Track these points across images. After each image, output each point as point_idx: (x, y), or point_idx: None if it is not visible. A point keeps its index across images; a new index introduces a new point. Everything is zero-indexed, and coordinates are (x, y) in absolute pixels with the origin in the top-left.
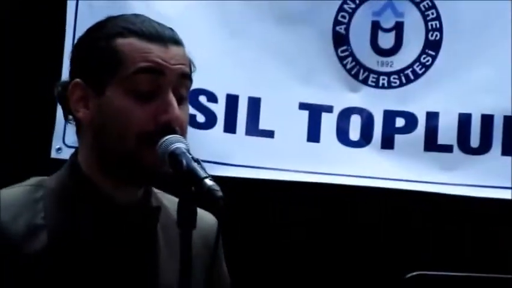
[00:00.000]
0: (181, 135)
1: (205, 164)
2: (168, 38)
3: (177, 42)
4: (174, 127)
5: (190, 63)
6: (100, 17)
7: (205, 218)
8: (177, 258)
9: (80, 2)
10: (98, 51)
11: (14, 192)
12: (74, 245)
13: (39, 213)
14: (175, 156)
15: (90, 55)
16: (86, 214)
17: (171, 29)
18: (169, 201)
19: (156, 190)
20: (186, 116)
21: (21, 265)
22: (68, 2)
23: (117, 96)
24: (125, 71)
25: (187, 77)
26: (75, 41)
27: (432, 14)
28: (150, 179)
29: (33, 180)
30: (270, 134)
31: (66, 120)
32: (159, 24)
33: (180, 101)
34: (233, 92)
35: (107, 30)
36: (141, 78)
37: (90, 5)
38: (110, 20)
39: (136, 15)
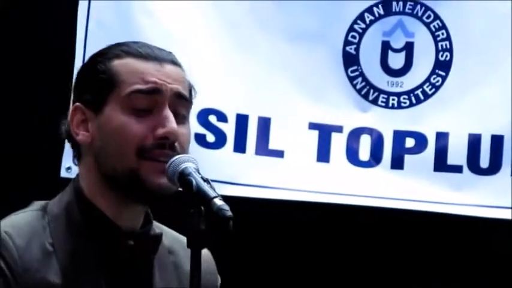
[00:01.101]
0: (180, 152)
1: (214, 184)
2: (163, 58)
3: (174, 62)
4: (172, 140)
5: (190, 86)
6: (110, 36)
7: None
8: (168, 284)
9: (89, 21)
10: (96, 73)
11: (25, 217)
12: (82, 270)
13: (48, 239)
14: (184, 176)
15: (89, 78)
16: (91, 240)
17: (170, 52)
18: (162, 230)
19: (155, 222)
20: (186, 135)
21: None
22: (78, 21)
23: (114, 114)
24: (122, 91)
25: (183, 97)
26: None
27: (442, 34)
28: (153, 196)
29: (37, 205)
30: (279, 153)
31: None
32: (158, 48)
33: (179, 120)
34: (243, 111)
35: (106, 54)
36: (137, 97)
37: (100, 24)
38: (110, 46)
39: (135, 42)
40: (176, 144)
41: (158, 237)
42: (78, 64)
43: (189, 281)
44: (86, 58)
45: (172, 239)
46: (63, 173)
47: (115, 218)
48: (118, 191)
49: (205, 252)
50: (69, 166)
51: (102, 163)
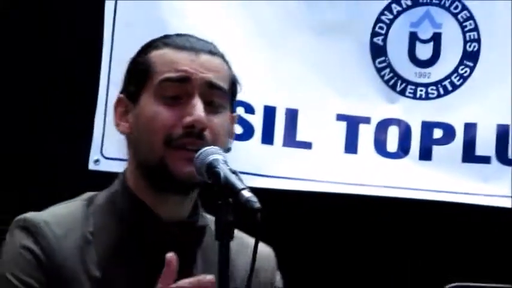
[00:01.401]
0: (212, 141)
1: (242, 176)
2: (200, 48)
3: (212, 52)
4: (199, 128)
5: (231, 76)
6: (137, 34)
7: (262, 250)
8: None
9: (116, 21)
10: (136, 65)
11: (68, 207)
12: (120, 261)
13: (89, 228)
14: (212, 168)
15: (131, 70)
16: (132, 230)
17: (210, 42)
18: (212, 223)
19: (207, 215)
20: (219, 124)
21: (71, 279)
22: (106, 20)
23: (148, 104)
24: (155, 80)
25: (216, 86)
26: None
27: (470, 24)
28: (180, 184)
29: (87, 195)
30: (307, 145)
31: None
32: (199, 39)
33: (212, 109)
34: (270, 103)
35: (149, 46)
36: (167, 85)
37: (127, 24)
38: (157, 38)
39: (180, 34)
40: (206, 133)
41: (201, 229)
42: (105, 64)
43: (217, 273)
44: (113, 58)
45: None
46: (91, 166)
47: (156, 207)
48: (150, 180)
49: (266, 250)
50: (97, 159)
51: (137, 152)
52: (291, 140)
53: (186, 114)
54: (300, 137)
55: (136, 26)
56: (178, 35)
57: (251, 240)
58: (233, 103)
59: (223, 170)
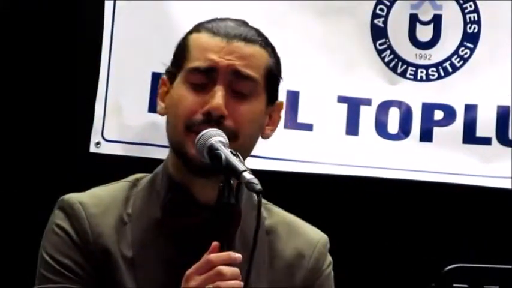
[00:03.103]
0: (235, 129)
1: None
2: (234, 34)
3: (247, 39)
4: (219, 117)
5: (267, 66)
6: (138, 15)
7: (309, 235)
8: (257, 266)
9: (117, 1)
10: (178, 48)
11: (111, 188)
12: (154, 243)
13: (127, 209)
14: (213, 150)
15: (175, 53)
16: (168, 211)
17: (253, 28)
18: (266, 210)
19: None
20: (245, 113)
21: (107, 257)
22: (106, 2)
23: (178, 87)
24: (186, 65)
25: (243, 75)
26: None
27: (470, 6)
28: (196, 167)
29: (134, 176)
30: (308, 127)
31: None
32: (240, 24)
33: (239, 98)
34: None
35: (194, 27)
36: (194, 73)
37: (128, 3)
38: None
39: (224, 19)
40: (226, 121)
41: (237, 212)
42: (106, 44)
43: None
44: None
45: (279, 220)
46: (92, 149)
47: (195, 190)
48: (178, 161)
49: (315, 236)
50: (98, 141)
51: (168, 135)
52: (292, 122)
53: (207, 102)
54: (301, 119)
55: (136, 7)
56: (221, 19)
57: (302, 227)
58: (273, 91)
59: (224, 152)
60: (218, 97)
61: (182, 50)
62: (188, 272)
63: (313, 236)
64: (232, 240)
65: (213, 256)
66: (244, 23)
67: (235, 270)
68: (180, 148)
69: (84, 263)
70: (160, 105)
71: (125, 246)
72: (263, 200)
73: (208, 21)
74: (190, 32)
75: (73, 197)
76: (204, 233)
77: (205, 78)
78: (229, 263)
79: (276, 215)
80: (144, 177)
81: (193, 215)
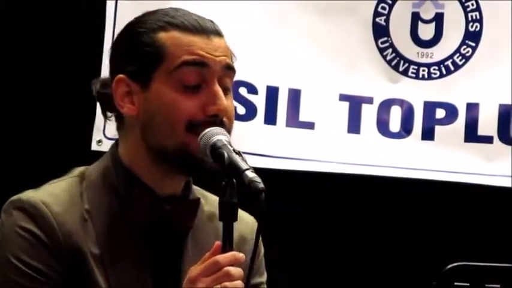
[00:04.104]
0: (229, 126)
1: (245, 156)
2: (210, 30)
3: (219, 33)
4: (222, 118)
5: (231, 54)
6: (140, 10)
7: (245, 218)
8: (205, 252)
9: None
10: (141, 46)
11: (63, 185)
12: (118, 237)
13: (84, 205)
14: (216, 149)
15: (133, 50)
16: (127, 205)
17: (211, 21)
18: (203, 196)
19: (194, 186)
20: (233, 108)
21: (78, 255)
22: (108, 1)
23: (164, 90)
24: (170, 65)
25: (231, 68)
26: (114, 37)
27: (472, 5)
28: (200, 168)
29: (76, 171)
30: (310, 125)
31: (105, 116)
32: (199, 16)
33: (225, 92)
34: (273, 83)
35: (148, 24)
36: (186, 71)
37: (130, 3)
38: (149, 14)
39: (175, 9)
40: (225, 119)
41: (196, 203)
42: (108, 40)
43: (221, 252)
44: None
45: (215, 204)
46: (94, 147)
47: (154, 185)
48: (165, 163)
49: (249, 219)
50: (99, 139)
51: (149, 136)
52: (293, 120)
53: (209, 103)
54: (303, 117)
55: (138, 2)
56: (175, 10)
57: (241, 213)
58: None
59: (227, 150)
60: (223, 98)
61: (155, 50)
62: (193, 274)
63: (249, 219)
64: (186, 236)
65: (221, 257)
66: (197, 14)
67: (240, 270)
68: (184, 150)
69: (56, 265)
70: (128, 106)
71: (92, 244)
72: (196, 187)
73: (166, 16)
74: (152, 31)
75: (32, 196)
76: (169, 226)
77: (197, 76)
78: (234, 263)
79: (213, 201)
80: (86, 171)
81: (156, 209)
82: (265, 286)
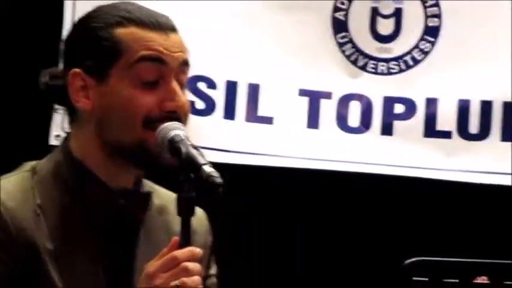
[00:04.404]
0: (185, 121)
1: (204, 151)
2: (167, 26)
3: (175, 29)
4: (180, 114)
5: (186, 49)
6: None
7: (197, 214)
8: (157, 246)
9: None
10: (99, 41)
11: (14, 180)
12: (71, 232)
13: (36, 200)
14: (174, 143)
15: (90, 45)
16: (79, 199)
17: (166, 16)
18: (153, 189)
19: (146, 181)
20: (188, 103)
21: (33, 250)
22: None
23: (121, 86)
24: (128, 60)
25: (187, 63)
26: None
27: (431, 0)
28: (157, 163)
29: (27, 166)
30: (269, 120)
31: (53, 109)
32: (154, 12)
33: (181, 87)
34: (232, 78)
35: (104, 19)
36: (144, 66)
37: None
38: (103, 9)
39: (129, 3)
40: (182, 115)
41: (147, 196)
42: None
43: (179, 247)
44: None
45: (166, 198)
46: (52, 141)
47: (106, 178)
48: (121, 158)
49: (199, 212)
50: (58, 134)
51: (104, 132)
52: (252, 115)
53: (166, 99)
54: (262, 112)
55: None
56: (130, 4)
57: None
58: None
59: (185, 145)
60: (181, 95)
61: (112, 45)
62: (150, 270)
63: (199, 212)
64: (138, 231)
65: (178, 253)
66: (151, 9)
67: (197, 265)
68: (141, 146)
69: (9, 260)
70: (84, 101)
71: (45, 239)
72: (147, 181)
73: (122, 11)
74: (109, 27)
75: None
76: (121, 220)
77: (156, 72)
78: (192, 258)
79: (162, 194)
80: (38, 165)
81: (109, 203)
82: (215, 279)
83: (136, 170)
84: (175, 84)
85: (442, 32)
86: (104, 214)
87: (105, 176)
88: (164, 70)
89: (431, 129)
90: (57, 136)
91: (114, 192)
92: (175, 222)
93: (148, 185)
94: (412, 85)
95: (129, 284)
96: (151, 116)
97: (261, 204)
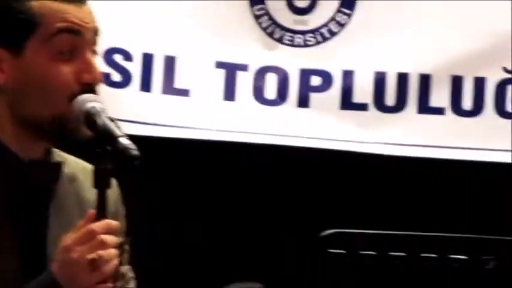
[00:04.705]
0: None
1: (120, 123)
2: None
3: (85, 0)
4: (96, 86)
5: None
6: None
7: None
8: (69, 215)
9: None
10: (12, 14)
11: None
12: None
13: None
14: (90, 115)
15: (4, 18)
16: None
17: None
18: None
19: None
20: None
21: None
22: None
23: (39, 59)
24: (44, 33)
25: (98, 33)
26: None
27: None
28: (74, 137)
29: None
30: (185, 92)
31: None
32: None
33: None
34: (148, 50)
35: None
36: (61, 38)
37: None
38: None
39: None
40: (97, 87)
41: (58, 165)
42: None
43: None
44: None
45: (75, 166)
46: None
47: (17, 149)
48: (35, 132)
49: (114, 180)
50: None
51: (19, 105)
52: (169, 87)
53: (82, 71)
54: (178, 84)
55: None
56: None
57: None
58: None
59: (101, 117)
60: (97, 66)
61: (27, 17)
62: (67, 243)
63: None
64: (51, 195)
65: (95, 226)
66: None
67: (114, 238)
68: (62, 121)
69: None
70: None
71: None
72: (56, 150)
73: None
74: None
75: None
76: (33, 190)
77: (71, 43)
78: (109, 231)
79: (72, 162)
80: None
81: (21, 173)
82: (127, 246)
83: (51, 143)
84: (91, 56)
85: (358, 4)
86: (15, 185)
87: (15, 147)
88: (80, 42)
89: (347, 102)
90: None
91: (25, 163)
92: (86, 189)
93: (58, 153)
94: (328, 57)
95: (42, 253)
96: (74, 90)
97: (177, 175)
